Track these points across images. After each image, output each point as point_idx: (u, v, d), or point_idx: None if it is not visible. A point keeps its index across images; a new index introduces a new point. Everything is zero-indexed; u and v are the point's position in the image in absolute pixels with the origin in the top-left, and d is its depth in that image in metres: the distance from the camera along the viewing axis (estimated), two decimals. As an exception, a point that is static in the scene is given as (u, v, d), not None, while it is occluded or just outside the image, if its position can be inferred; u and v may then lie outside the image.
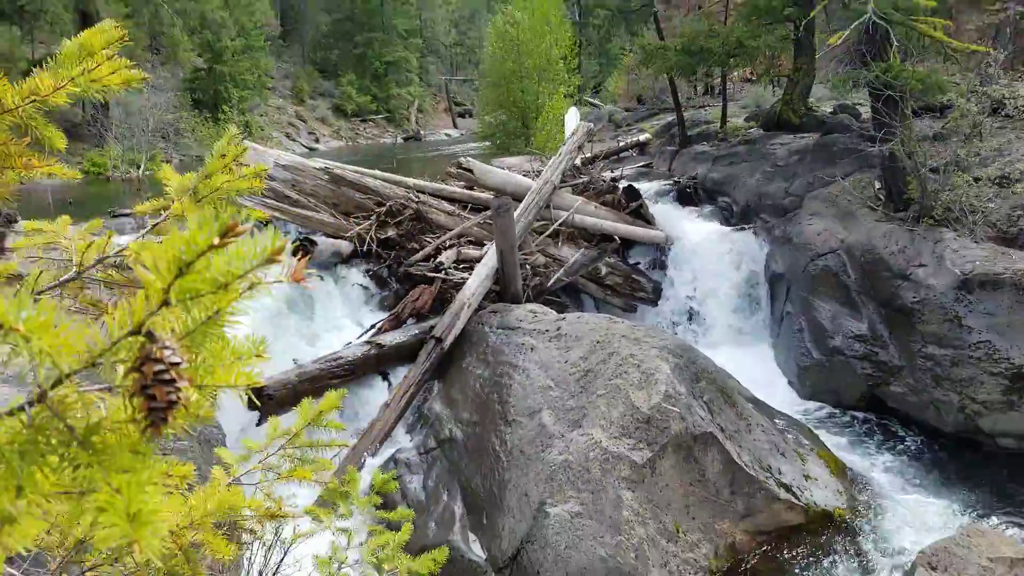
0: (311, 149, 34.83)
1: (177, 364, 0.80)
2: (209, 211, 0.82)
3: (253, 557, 2.77)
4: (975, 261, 7.63)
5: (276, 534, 2.42)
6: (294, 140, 36.23)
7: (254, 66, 34.22)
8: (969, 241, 7.95)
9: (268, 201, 9.65)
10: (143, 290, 0.79)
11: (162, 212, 1.67)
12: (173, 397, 0.79)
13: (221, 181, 1.43)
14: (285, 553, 2.81)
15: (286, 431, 1.82)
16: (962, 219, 8.14)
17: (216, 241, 0.78)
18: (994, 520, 6.28)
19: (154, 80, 26.57)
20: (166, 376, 0.79)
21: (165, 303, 0.79)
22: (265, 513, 1.75)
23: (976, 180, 8.24)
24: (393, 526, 2.80)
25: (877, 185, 9.43)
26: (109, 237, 1.69)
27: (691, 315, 10.54)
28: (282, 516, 1.83)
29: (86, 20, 25.03)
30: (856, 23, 8.07)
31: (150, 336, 0.80)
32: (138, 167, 21.42)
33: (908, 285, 7.99)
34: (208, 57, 31.22)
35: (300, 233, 9.69)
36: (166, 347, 0.80)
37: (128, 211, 13.15)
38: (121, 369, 0.80)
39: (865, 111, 11.16)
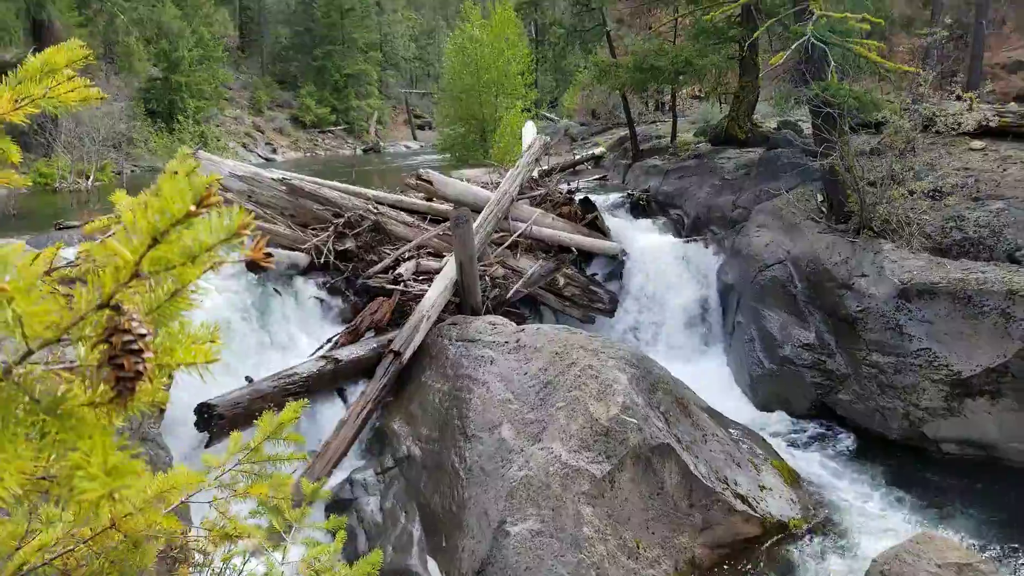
0: (268, 160, 34.35)
1: (144, 335, 0.81)
2: (183, 180, 0.80)
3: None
4: (912, 271, 7.95)
5: (224, 561, 2.41)
6: (251, 151, 35.70)
7: (211, 76, 33.67)
8: (906, 252, 8.29)
9: (222, 214, 9.52)
10: (112, 264, 0.78)
11: (112, 229, 1.67)
12: (140, 367, 0.80)
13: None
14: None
15: (244, 446, 1.83)
16: (899, 231, 8.48)
17: (192, 209, 0.77)
18: (942, 526, 6.48)
19: (107, 89, 25.93)
20: (134, 347, 0.80)
21: (136, 275, 0.78)
22: (219, 533, 1.76)
23: (911, 193, 8.60)
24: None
25: (819, 198, 9.77)
26: (57, 248, 1.69)
27: (646, 326, 10.73)
28: (238, 536, 1.83)
29: (38, 28, 24.38)
30: (796, 44, 8.39)
31: (117, 309, 0.80)
32: (87, 178, 20.87)
33: (851, 295, 8.28)
34: (164, 67, 30.62)
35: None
36: (134, 319, 0.80)
37: (75, 223, 12.82)
38: (86, 346, 0.81)
39: (807, 127, 11.55)
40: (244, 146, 35.87)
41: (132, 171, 24.28)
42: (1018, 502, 6.79)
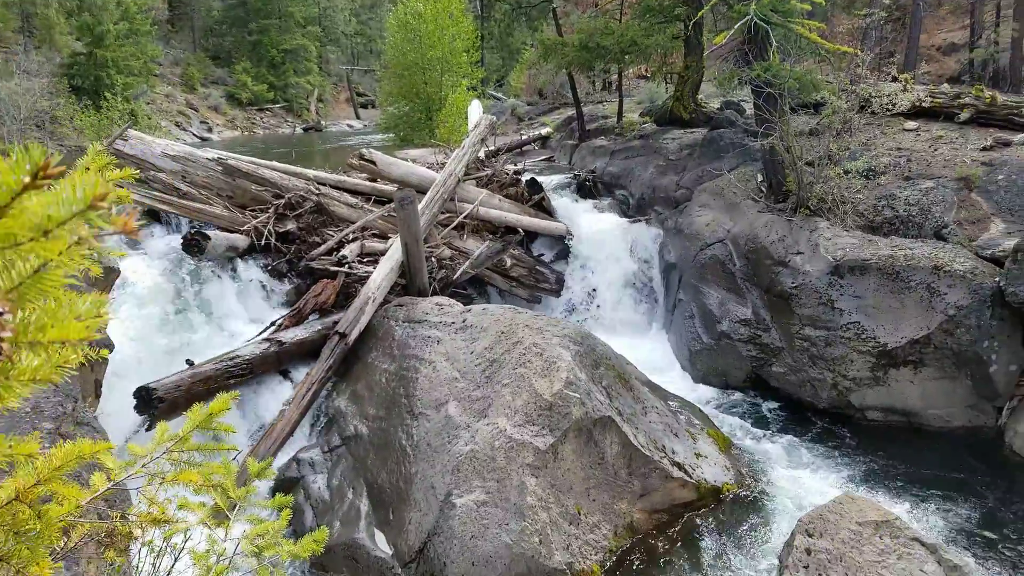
0: (204, 139, 33.32)
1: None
2: (20, 151, 0.77)
3: (141, 564, 2.73)
4: (845, 248, 8.27)
5: (165, 539, 2.40)
6: (185, 130, 34.55)
7: (139, 51, 32.24)
8: (840, 230, 8.61)
9: (155, 194, 9.26)
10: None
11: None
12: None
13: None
14: (176, 559, 2.79)
15: (174, 435, 1.83)
16: (834, 209, 8.80)
17: (27, 181, 0.73)
18: (865, 487, 6.86)
19: (26, 64, 24.67)
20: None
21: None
22: (148, 518, 1.76)
23: (846, 173, 8.91)
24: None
25: (760, 178, 10.04)
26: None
27: (592, 304, 10.90)
28: (166, 521, 1.83)
29: (-54, -1, 23.03)
30: (739, 24, 8.55)
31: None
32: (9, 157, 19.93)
33: (787, 272, 8.57)
34: (88, 41, 29.20)
35: (192, 227, 9.36)
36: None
37: None
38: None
39: (750, 107, 11.80)
40: (177, 124, 34.69)
41: (58, 151, 23.32)
42: (934, 464, 7.23)
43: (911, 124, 10.50)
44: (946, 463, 7.21)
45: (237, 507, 2.38)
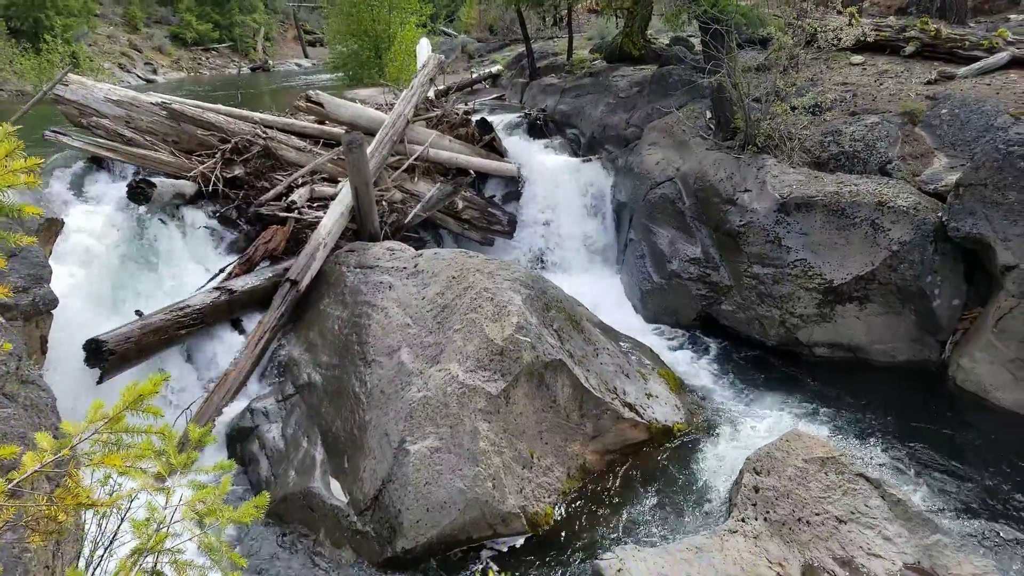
0: (149, 81, 31.93)
1: None
2: None
3: (87, 526, 2.73)
4: (792, 185, 8.36)
5: (109, 504, 2.39)
6: (128, 72, 32.99)
7: (79, -10, 30.62)
8: (787, 167, 8.68)
9: (99, 140, 8.93)
10: None
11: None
12: None
13: None
14: (122, 520, 2.79)
15: (104, 415, 1.81)
16: (781, 146, 8.85)
17: None
18: (813, 423, 7.04)
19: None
20: None
21: None
22: (72, 501, 1.75)
23: (793, 109, 8.94)
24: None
25: (708, 115, 10.02)
26: None
27: (543, 245, 10.92)
28: (92, 504, 1.83)
29: None
30: (685, -41, 8.41)
31: None
32: (-53, 103, 18.90)
33: (735, 210, 8.65)
34: (23, -20, 27.58)
35: (137, 174, 9.05)
36: None
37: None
38: None
39: (699, 44, 11.70)
40: (121, 66, 33.10)
41: (-1, 95, 22.17)
42: (879, 398, 7.45)
43: (857, 58, 10.52)
44: (891, 398, 7.40)
45: (177, 473, 2.37)
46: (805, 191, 8.23)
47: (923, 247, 7.68)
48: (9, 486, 1.49)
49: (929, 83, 9.48)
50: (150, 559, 2.21)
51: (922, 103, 9.00)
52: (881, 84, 9.77)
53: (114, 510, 2.89)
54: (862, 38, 10.50)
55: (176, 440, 2.34)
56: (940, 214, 7.66)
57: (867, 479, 5.24)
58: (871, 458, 6.41)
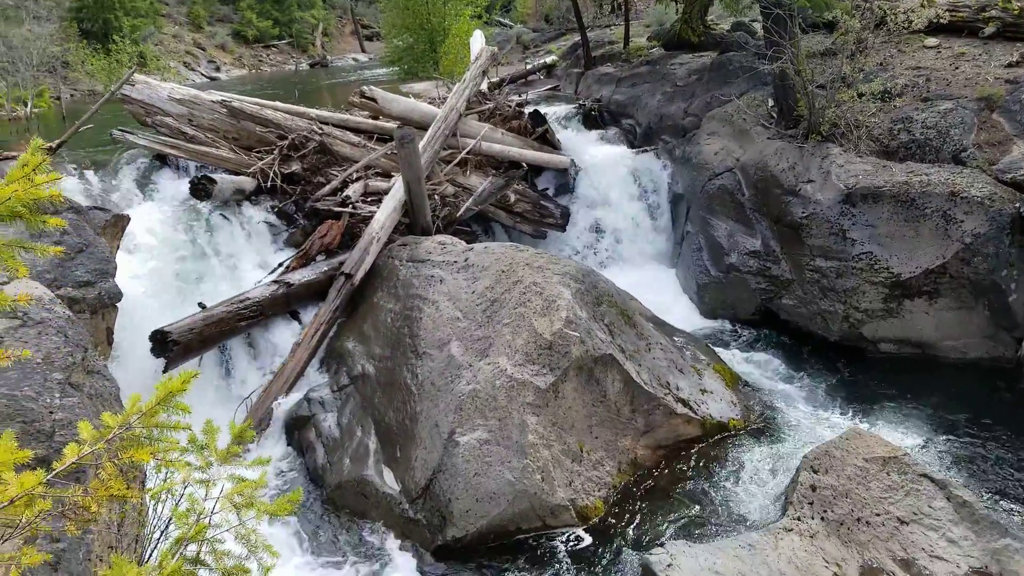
0: (212, 79, 32.91)
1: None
2: None
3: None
4: (858, 175, 8.02)
5: (154, 497, 2.44)
6: (193, 70, 34.09)
7: (145, -9, 31.86)
8: (853, 156, 8.34)
9: (163, 138, 9.24)
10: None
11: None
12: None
13: (11, 192, 1.41)
14: (176, 506, 2.86)
15: (141, 408, 1.83)
16: (847, 134, 8.50)
17: None
18: (875, 421, 6.78)
19: (36, 10, 24.34)
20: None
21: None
22: (104, 493, 1.77)
23: (860, 96, 8.57)
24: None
25: (770, 103, 9.70)
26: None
27: (598, 239, 10.78)
28: (124, 497, 1.85)
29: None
30: (746, -59, 8.11)
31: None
32: (25, 104, 19.86)
33: (797, 201, 8.36)
34: (94, -17, 28.84)
35: (199, 171, 9.33)
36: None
37: (14, 154, 12.27)
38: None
39: (760, 28, 11.33)
40: (186, 64, 34.21)
41: (71, 95, 23.19)
42: (947, 396, 7.11)
43: (932, 41, 10.02)
44: (961, 396, 7.08)
45: (218, 465, 2.40)
46: (872, 181, 7.90)
47: (999, 239, 7.28)
48: (48, 476, 1.52)
49: (1009, 66, 8.96)
50: (192, 547, 2.24)
51: (1001, 87, 8.52)
52: (957, 68, 9.30)
53: (168, 496, 2.99)
54: (936, 19, 9.97)
55: (230, 432, 2.37)
56: (1018, 204, 7.25)
57: (932, 480, 5.02)
58: (937, 459, 6.16)
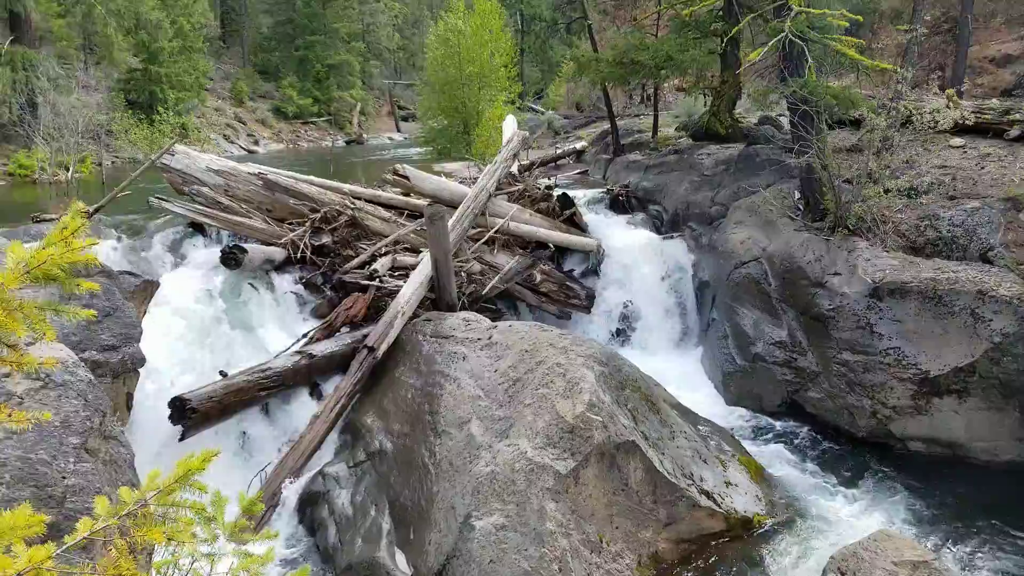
0: (250, 152, 34.07)
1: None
2: None
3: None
4: (885, 270, 7.99)
5: (173, 558, 2.40)
6: (232, 142, 35.38)
7: (191, 67, 33.36)
8: (880, 250, 8.33)
9: (199, 207, 9.51)
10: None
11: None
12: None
13: (48, 255, 1.46)
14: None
15: (158, 485, 1.82)
16: (874, 229, 8.52)
17: None
18: (904, 523, 6.55)
19: (86, 80, 25.57)
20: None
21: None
22: (114, 572, 1.75)
23: (886, 192, 8.63)
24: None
25: (796, 195, 9.79)
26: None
27: (623, 322, 10.76)
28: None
29: (15, 19, 24.07)
30: (773, 41, 8.36)
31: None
32: (67, 169, 20.66)
33: (824, 293, 8.32)
34: (143, 57, 30.30)
35: (231, 239, 9.54)
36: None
37: (52, 216, 12.70)
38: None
39: (787, 123, 11.57)
40: (226, 137, 35.52)
41: (112, 162, 24.08)
42: (980, 500, 6.86)
43: (957, 141, 10.14)
44: (992, 500, 6.84)
45: (224, 539, 2.36)
46: (899, 276, 7.86)
47: (1030, 340, 7.15)
48: (58, 551, 1.51)
49: (1035, 167, 9.01)
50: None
51: (1028, 188, 8.54)
52: (983, 168, 9.36)
53: (175, 572, 2.92)
54: (961, 120, 10.12)
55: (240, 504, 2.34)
56: (1048, 306, 7.15)
57: (965, 589, 4.77)
58: (969, 565, 5.93)
